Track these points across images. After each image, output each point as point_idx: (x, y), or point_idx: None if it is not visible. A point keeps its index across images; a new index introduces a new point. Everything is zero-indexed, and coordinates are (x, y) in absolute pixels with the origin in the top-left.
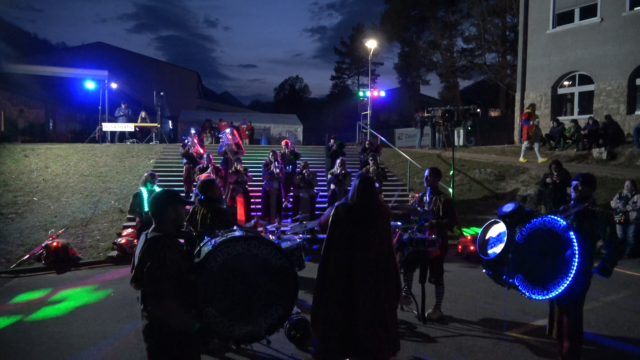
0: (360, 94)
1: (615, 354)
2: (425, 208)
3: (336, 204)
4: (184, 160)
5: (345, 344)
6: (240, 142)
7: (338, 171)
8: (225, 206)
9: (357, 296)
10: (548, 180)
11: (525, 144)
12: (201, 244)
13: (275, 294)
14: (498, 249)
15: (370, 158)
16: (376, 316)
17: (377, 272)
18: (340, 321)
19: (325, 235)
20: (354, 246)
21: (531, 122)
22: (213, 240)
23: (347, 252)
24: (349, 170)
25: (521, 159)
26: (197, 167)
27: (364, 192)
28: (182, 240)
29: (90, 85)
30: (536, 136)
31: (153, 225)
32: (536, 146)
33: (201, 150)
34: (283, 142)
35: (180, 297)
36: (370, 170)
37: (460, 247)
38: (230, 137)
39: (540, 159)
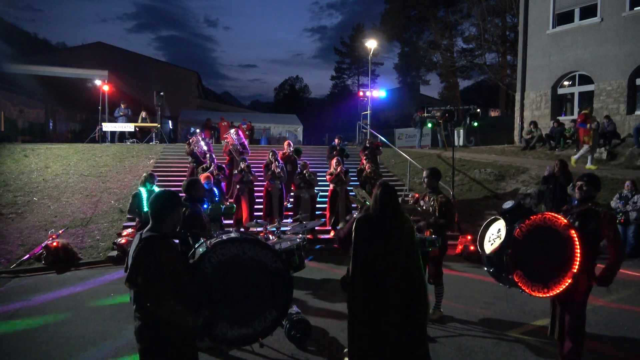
0: (361, 94)
1: (615, 354)
2: (423, 207)
3: (356, 216)
4: (190, 159)
5: None
6: (246, 142)
7: (338, 170)
8: (205, 207)
9: (387, 319)
10: (546, 173)
11: (585, 148)
12: (196, 245)
13: (270, 296)
14: (497, 245)
15: (364, 156)
16: (407, 339)
17: (406, 293)
18: (376, 347)
19: (346, 249)
20: (382, 265)
21: (588, 125)
22: (208, 242)
23: (374, 273)
24: (349, 170)
25: (589, 166)
26: (200, 166)
27: (387, 202)
28: (176, 241)
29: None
30: (595, 140)
31: (149, 225)
32: (584, 149)
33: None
34: (285, 143)
35: (176, 298)
36: (367, 169)
37: (460, 247)
38: (235, 137)
39: (589, 165)
